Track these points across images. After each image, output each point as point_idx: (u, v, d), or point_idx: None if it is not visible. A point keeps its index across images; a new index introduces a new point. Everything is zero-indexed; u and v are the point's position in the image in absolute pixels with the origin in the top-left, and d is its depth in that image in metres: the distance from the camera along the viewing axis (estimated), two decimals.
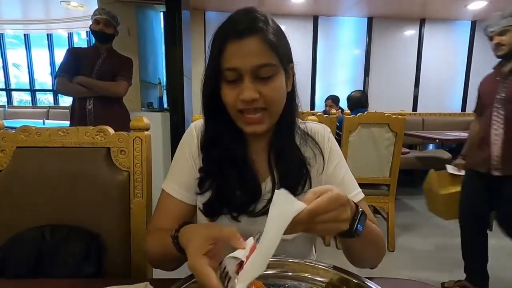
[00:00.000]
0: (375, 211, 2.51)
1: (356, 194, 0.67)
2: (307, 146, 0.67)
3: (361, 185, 0.70)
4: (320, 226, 0.42)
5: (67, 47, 2.23)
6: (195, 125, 0.70)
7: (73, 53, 2.11)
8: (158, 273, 0.85)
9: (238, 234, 0.42)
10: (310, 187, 0.65)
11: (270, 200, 0.62)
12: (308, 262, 0.56)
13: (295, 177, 0.64)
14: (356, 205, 0.48)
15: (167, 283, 0.49)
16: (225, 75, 0.56)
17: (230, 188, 0.62)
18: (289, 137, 0.66)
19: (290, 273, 0.55)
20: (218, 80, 0.58)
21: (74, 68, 2.01)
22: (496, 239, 2.39)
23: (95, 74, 2.02)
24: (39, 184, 0.80)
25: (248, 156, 0.65)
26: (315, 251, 0.82)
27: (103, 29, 2.04)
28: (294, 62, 0.64)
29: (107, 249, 0.79)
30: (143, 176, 0.82)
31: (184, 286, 0.49)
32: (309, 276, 0.54)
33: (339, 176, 0.68)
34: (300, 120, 0.69)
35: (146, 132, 0.84)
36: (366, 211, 0.65)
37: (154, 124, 2.64)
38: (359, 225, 0.46)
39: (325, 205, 0.41)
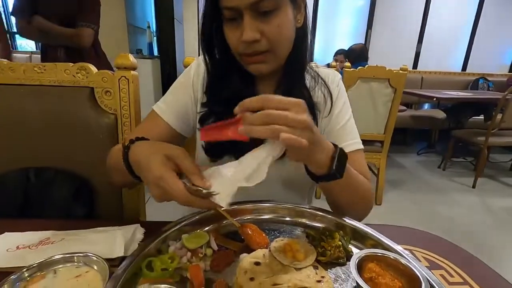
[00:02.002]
0: None
1: (351, 144, 0.64)
2: (318, 88, 0.64)
3: None
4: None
5: None
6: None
7: None
8: (151, 217, 0.85)
9: (200, 171, 0.39)
10: None
11: None
12: (306, 208, 0.55)
13: None
14: (335, 145, 0.47)
15: (157, 225, 0.48)
16: (223, 13, 0.51)
17: None
18: (299, 78, 0.62)
19: (287, 218, 0.54)
20: (218, 18, 0.53)
21: (31, 4, 1.54)
22: (477, 196, 2.52)
23: (54, 11, 1.55)
24: (15, 125, 0.74)
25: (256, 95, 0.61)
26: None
27: None
28: None
29: (98, 192, 0.77)
30: (131, 119, 0.77)
31: (175, 228, 0.48)
32: (306, 221, 0.53)
33: (339, 123, 0.65)
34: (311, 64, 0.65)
35: (133, 72, 0.76)
36: (360, 163, 0.62)
37: (145, 72, 2.50)
38: (338, 165, 0.45)
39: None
